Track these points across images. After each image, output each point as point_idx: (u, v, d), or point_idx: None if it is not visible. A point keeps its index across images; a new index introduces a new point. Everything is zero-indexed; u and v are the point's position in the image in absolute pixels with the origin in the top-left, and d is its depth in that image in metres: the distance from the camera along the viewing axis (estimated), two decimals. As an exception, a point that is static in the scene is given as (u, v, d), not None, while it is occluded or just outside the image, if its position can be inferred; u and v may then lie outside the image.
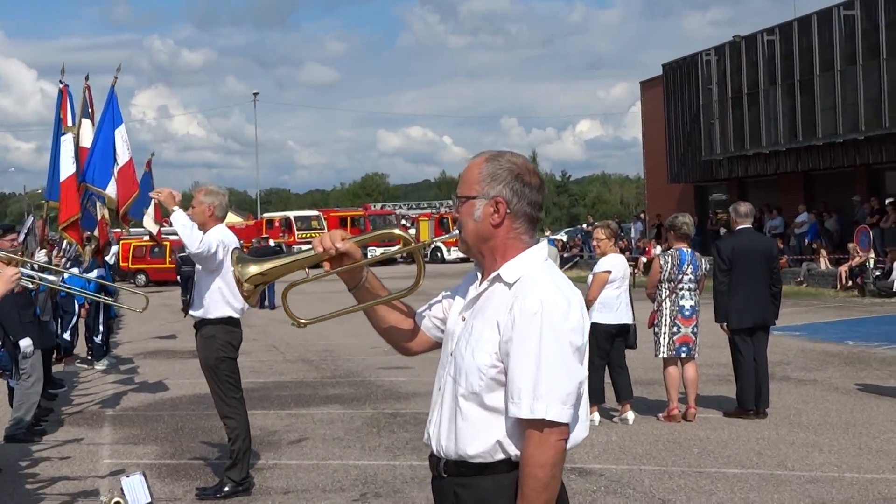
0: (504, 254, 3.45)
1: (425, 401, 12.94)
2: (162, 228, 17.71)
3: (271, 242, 51.66)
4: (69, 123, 12.84)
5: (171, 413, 12.85)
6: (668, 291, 11.50)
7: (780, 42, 37.40)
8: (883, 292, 28.06)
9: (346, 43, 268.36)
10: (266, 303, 28.23)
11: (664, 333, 11.46)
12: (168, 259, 40.53)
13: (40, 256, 12.27)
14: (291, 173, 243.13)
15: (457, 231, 3.57)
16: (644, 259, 39.14)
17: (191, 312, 8.88)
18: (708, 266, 12.05)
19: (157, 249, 43.24)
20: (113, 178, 13.28)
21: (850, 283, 30.37)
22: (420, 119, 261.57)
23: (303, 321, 3.73)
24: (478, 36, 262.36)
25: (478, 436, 3.35)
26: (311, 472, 9.44)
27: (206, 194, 8.76)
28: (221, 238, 8.59)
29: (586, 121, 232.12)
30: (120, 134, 13.47)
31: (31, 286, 10.17)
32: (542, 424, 3.23)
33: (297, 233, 60.64)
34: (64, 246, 15.50)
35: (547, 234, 45.45)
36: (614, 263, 11.50)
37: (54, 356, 15.56)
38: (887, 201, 34.33)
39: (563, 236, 56.97)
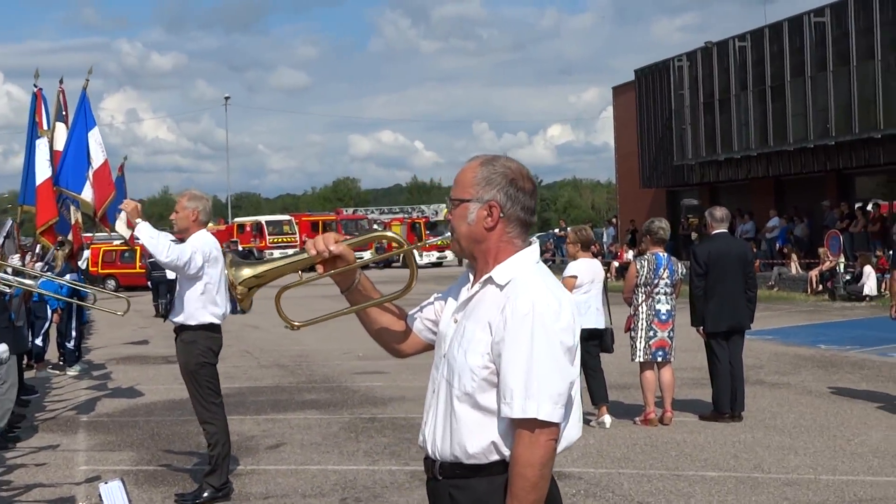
0: (496, 256, 3.47)
1: (402, 406, 13.02)
2: (135, 233, 17.64)
3: (240, 247, 51.64)
4: (44, 127, 12.79)
5: (147, 419, 12.80)
6: (644, 296, 11.55)
7: (751, 48, 37.63)
8: (853, 296, 28.28)
9: (317, 47, 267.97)
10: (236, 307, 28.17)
11: (640, 338, 11.51)
12: (138, 264, 40.33)
13: (14, 261, 12.20)
14: (262, 178, 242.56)
15: (448, 234, 3.59)
16: (616, 264, 39.31)
17: (171, 318, 8.84)
18: (684, 270, 12.11)
19: (126, 255, 43.07)
20: (88, 181, 13.22)
21: (820, 287, 30.58)
22: (391, 123, 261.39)
23: (296, 324, 3.74)
24: (449, 41, 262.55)
25: (472, 437, 3.37)
26: (290, 478, 9.42)
27: (190, 199, 8.74)
28: (199, 245, 8.56)
29: (557, 126, 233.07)
30: (93, 136, 13.41)
31: (6, 290, 10.10)
32: (533, 424, 3.25)
33: (268, 237, 60.47)
34: (38, 250, 15.43)
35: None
36: (581, 269, 11.53)
37: (24, 362, 15.47)
38: (857, 206, 34.61)
39: (534, 241, 56.97)
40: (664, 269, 11.54)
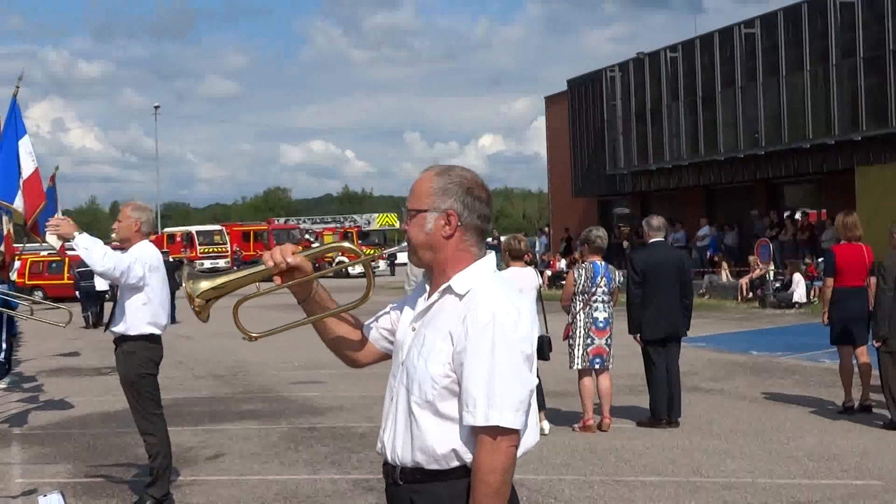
0: (454, 265, 3.51)
1: (341, 415, 13.01)
2: (66, 244, 17.45)
3: (170, 258, 51.16)
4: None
5: (82, 431, 12.67)
6: (582, 304, 11.64)
7: (682, 59, 38.04)
8: (782, 303, 28.68)
9: (246, 56, 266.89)
10: (174, 319, 27.94)
11: (578, 345, 11.60)
12: (66, 275, 39.83)
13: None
14: (191, 187, 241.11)
15: (405, 243, 3.63)
16: (549, 272, 39.51)
17: (111, 328, 8.77)
18: (621, 279, 12.23)
19: (54, 266, 42.57)
20: (20, 190, 13.06)
21: (750, 294, 30.99)
22: (322, 133, 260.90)
23: (254, 335, 3.74)
24: (381, 50, 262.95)
25: (433, 443, 3.40)
26: (231, 488, 9.39)
27: (133, 209, 8.69)
28: (139, 255, 8.51)
29: (489, 135, 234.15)
30: (24, 145, 13.23)
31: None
32: (495, 431, 3.29)
33: (199, 248, 59.99)
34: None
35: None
36: (507, 278, 11.58)
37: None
38: (786, 215, 35.11)
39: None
40: (601, 278, 11.64)
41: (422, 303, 3.60)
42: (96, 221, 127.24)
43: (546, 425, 11.42)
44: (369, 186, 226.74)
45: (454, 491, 3.42)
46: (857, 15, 30.55)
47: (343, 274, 46.74)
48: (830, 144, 31.95)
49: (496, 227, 70.24)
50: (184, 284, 3.67)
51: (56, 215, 10.52)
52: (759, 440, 10.84)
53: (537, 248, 47.44)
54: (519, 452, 3.41)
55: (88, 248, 8.27)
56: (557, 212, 50.41)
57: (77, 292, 31.73)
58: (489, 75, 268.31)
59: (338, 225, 73.89)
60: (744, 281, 31.55)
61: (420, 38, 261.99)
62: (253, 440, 11.65)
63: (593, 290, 11.61)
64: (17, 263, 27.59)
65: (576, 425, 11.58)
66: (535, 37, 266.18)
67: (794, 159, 33.85)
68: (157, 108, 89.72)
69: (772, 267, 30.81)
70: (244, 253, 60.35)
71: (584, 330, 11.60)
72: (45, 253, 41.05)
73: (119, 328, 8.58)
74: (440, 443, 3.40)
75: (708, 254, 36.24)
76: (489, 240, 54.31)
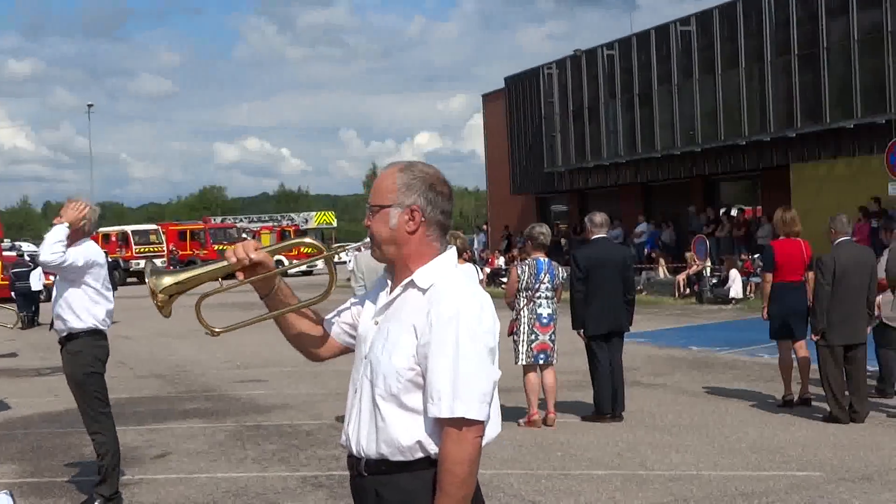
0: (417, 260, 3.55)
1: (286, 413, 13.01)
2: (2, 244, 17.31)
3: (108, 258, 50.60)
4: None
5: (25, 432, 12.55)
6: (525, 300, 11.73)
7: (619, 56, 38.35)
8: (719, 299, 29.01)
9: (180, 54, 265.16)
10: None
11: (523, 341, 11.69)
12: (0, 275, 39.33)
13: None
14: (124, 187, 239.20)
15: (367, 239, 3.67)
16: (488, 270, 39.63)
17: (54, 328, 8.72)
18: (565, 275, 12.34)
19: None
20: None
21: (687, 291, 31.29)
22: (257, 131, 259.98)
23: (217, 330, 3.77)
24: (316, 48, 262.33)
25: (398, 436, 3.45)
26: (179, 486, 9.37)
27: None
28: (82, 251, 8.47)
29: (425, 133, 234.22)
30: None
31: None
32: (461, 423, 3.35)
33: (134, 247, 59.38)
34: None
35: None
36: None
37: None
38: (721, 211, 35.51)
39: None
40: (545, 274, 11.73)
41: (384, 297, 3.64)
42: (28, 222, 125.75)
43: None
44: (306, 185, 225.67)
45: (419, 482, 3.47)
46: (792, 13, 30.99)
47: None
48: (766, 141, 32.39)
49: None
50: (146, 280, 3.69)
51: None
52: (702, 433, 10.99)
53: (476, 246, 47.58)
54: (483, 443, 3.47)
55: (61, 240, 8.19)
56: (495, 209, 50.61)
57: (13, 293, 31.35)
58: (425, 73, 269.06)
59: (275, 223, 73.59)
60: (681, 277, 31.85)
61: (355, 36, 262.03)
62: (199, 439, 11.61)
63: (537, 286, 11.70)
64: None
65: (521, 420, 11.66)
66: (470, 34, 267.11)
67: (729, 156, 34.27)
68: (90, 106, 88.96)
69: (708, 263, 31.14)
70: (180, 252, 59.88)
71: (528, 326, 11.69)
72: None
73: (62, 326, 8.52)
74: (405, 435, 3.45)
75: (645, 250, 36.55)
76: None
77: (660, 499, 8.43)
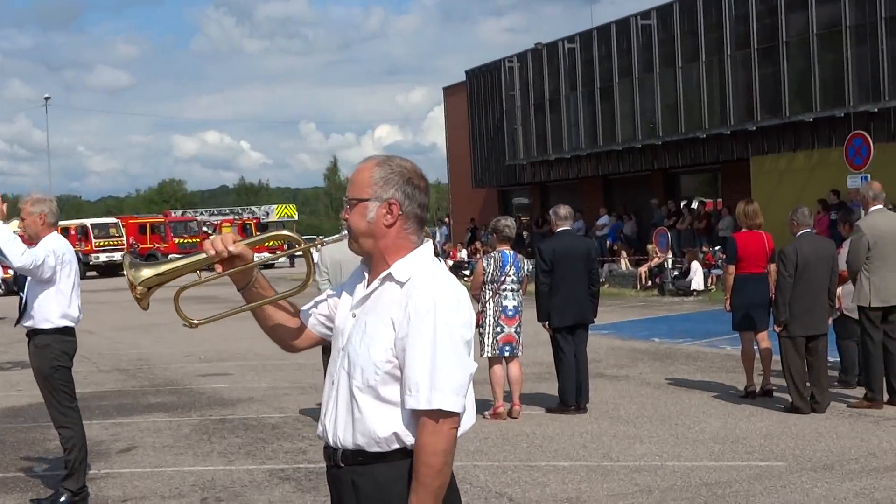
0: (394, 253, 3.60)
1: (252, 406, 13.02)
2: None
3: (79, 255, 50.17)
4: None
5: (-12, 426, 12.50)
6: (491, 292, 11.78)
7: (580, 50, 38.47)
8: (681, 291, 29.18)
9: (137, 46, 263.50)
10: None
11: (488, 333, 11.74)
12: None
13: None
14: (82, 180, 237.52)
15: (346, 232, 3.70)
16: (450, 263, 39.69)
17: (23, 323, 8.68)
18: (530, 267, 12.40)
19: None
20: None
21: (649, 283, 31.46)
22: (216, 124, 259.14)
23: (195, 322, 3.80)
24: (274, 40, 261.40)
25: (375, 427, 3.49)
26: (146, 480, 9.37)
27: (34, 203, 8.56)
28: (53, 248, 8.43)
29: (385, 126, 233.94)
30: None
31: None
32: (437, 414, 3.40)
33: (94, 241, 58.97)
34: None
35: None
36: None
37: None
38: (682, 204, 35.73)
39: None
40: (510, 267, 11.79)
41: (360, 290, 3.68)
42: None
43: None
44: (265, 178, 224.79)
45: (395, 472, 3.51)
46: (751, 7, 31.21)
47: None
48: (726, 134, 32.62)
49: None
50: (125, 272, 3.71)
51: None
52: (665, 425, 11.09)
53: (438, 239, 47.63)
54: (458, 433, 3.52)
55: (10, 239, 8.16)
56: (457, 202, 50.67)
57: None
58: (385, 66, 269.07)
59: (236, 217, 73.23)
60: (643, 269, 32.03)
61: (314, 28, 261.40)
62: (165, 433, 11.60)
63: (502, 278, 11.76)
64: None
65: (486, 413, 11.71)
66: (430, 27, 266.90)
67: (690, 149, 34.47)
68: (47, 99, 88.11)
69: (670, 255, 31.34)
70: (140, 246, 59.54)
71: (494, 318, 11.74)
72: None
73: (31, 322, 8.50)
74: (381, 426, 3.50)
75: (607, 243, 36.71)
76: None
77: (624, 489, 8.51)
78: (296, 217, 77.48)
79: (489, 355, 11.75)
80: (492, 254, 12.06)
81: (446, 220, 51.38)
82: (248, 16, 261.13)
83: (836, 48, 29.04)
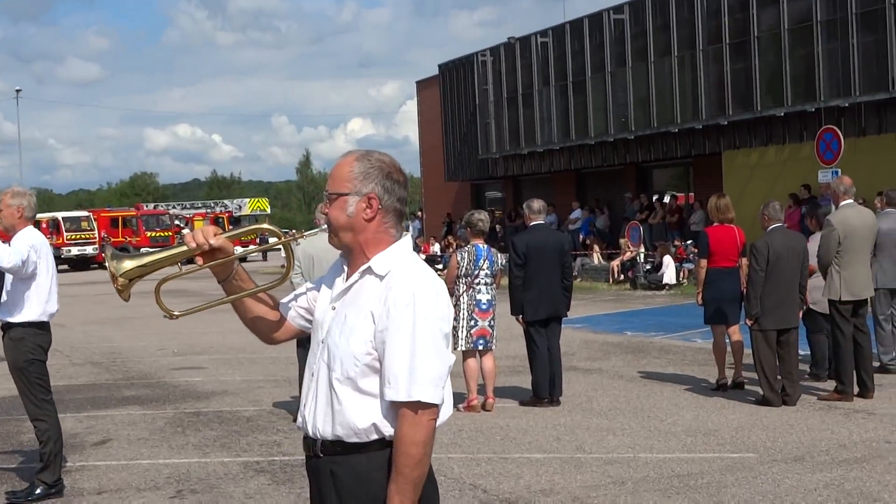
0: (374, 247, 3.65)
1: (226, 399, 13.04)
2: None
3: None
4: None
5: (-39, 419, 12.47)
6: (465, 286, 11.84)
7: (553, 44, 38.57)
8: (653, 285, 29.32)
9: (108, 38, 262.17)
10: None
11: (462, 327, 11.79)
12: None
13: None
14: (53, 173, 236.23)
15: (325, 226, 3.75)
16: (423, 256, 39.75)
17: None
18: (504, 261, 12.47)
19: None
20: None
21: (621, 277, 31.59)
22: (188, 117, 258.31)
23: (175, 313, 3.84)
24: (247, 33, 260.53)
25: (354, 418, 3.55)
26: (121, 472, 9.38)
27: (13, 196, 8.58)
28: (31, 242, 8.45)
29: (358, 119, 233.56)
30: None
31: None
32: (416, 406, 3.45)
33: (65, 234, 58.69)
34: None
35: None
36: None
37: None
38: (654, 198, 35.89)
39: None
40: (484, 260, 11.85)
41: (340, 283, 3.73)
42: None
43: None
44: (238, 171, 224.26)
45: (373, 462, 3.57)
46: (723, 2, 31.36)
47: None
48: (698, 129, 32.78)
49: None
50: (107, 264, 3.74)
51: None
52: (638, 417, 11.18)
53: (410, 233, 47.53)
54: (437, 424, 3.58)
55: None
56: (430, 196, 50.72)
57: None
58: (357, 59, 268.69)
59: (208, 210, 73.17)
60: (615, 263, 32.16)
61: (287, 21, 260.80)
62: (139, 425, 11.61)
63: (476, 272, 11.81)
64: None
65: (461, 405, 11.75)
66: (402, 20, 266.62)
67: (662, 143, 34.64)
68: (18, 91, 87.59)
69: (642, 249, 31.47)
70: (112, 239, 59.29)
71: (468, 312, 11.80)
72: None
73: (7, 315, 8.50)
74: (360, 417, 3.55)
75: (580, 237, 36.82)
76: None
77: (597, 481, 8.59)
78: (268, 211, 77.49)
79: (463, 349, 11.79)
80: (465, 248, 12.11)
81: (419, 213, 51.36)
82: (221, 8, 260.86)
83: (807, 43, 29.23)
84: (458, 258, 11.99)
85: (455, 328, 11.80)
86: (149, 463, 9.73)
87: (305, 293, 3.93)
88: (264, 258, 54.32)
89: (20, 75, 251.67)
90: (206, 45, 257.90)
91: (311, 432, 3.68)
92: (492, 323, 11.89)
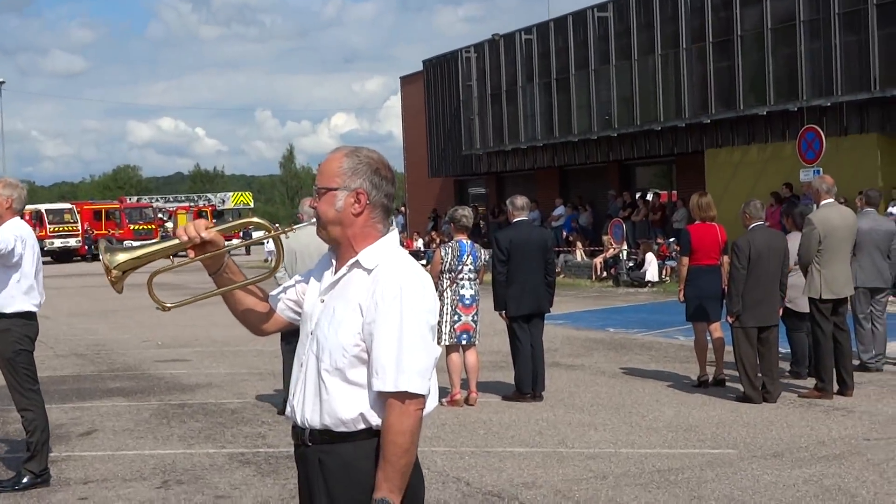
0: (362, 241, 3.74)
1: (211, 391, 13.11)
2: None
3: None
4: None
5: (-55, 410, 12.49)
6: (448, 281, 11.91)
7: (537, 41, 38.63)
8: (636, 282, 29.44)
9: (92, 30, 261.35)
10: None
11: (446, 322, 11.86)
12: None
13: None
14: (36, 165, 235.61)
15: (312, 220, 3.83)
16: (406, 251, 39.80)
17: None
18: (487, 257, 12.55)
19: None
20: None
21: (604, 273, 31.70)
22: (172, 110, 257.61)
23: (168, 305, 3.93)
24: (231, 27, 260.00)
25: (341, 408, 3.64)
26: (107, 463, 9.45)
27: (4, 187, 8.63)
28: (18, 232, 8.51)
29: (342, 114, 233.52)
30: None
31: None
32: (403, 396, 3.55)
33: (48, 226, 58.58)
34: None
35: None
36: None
37: None
38: (637, 195, 36.00)
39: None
40: (468, 256, 11.93)
41: (329, 276, 3.82)
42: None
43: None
44: (221, 165, 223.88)
45: (360, 451, 3.67)
46: (707, 0, 31.45)
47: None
48: (681, 127, 32.88)
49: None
50: (100, 256, 3.82)
51: None
52: (619, 413, 11.28)
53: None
54: (423, 414, 3.67)
55: None
56: (414, 192, 50.73)
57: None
58: (341, 54, 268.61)
59: (192, 203, 73.06)
60: (598, 260, 32.26)
61: (271, 15, 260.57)
62: (124, 417, 11.67)
63: (459, 267, 11.88)
64: None
65: (444, 400, 11.82)
66: (387, 15, 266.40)
67: (645, 141, 34.73)
68: (1, 83, 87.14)
69: (625, 246, 31.60)
70: (95, 232, 59.21)
71: (452, 307, 11.87)
72: None
73: (-7, 308, 8.54)
74: (348, 407, 3.64)
75: (563, 233, 36.91)
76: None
77: (579, 475, 8.68)
78: (252, 204, 77.39)
79: (446, 343, 11.87)
80: (449, 243, 12.18)
81: (402, 209, 51.39)
82: (205, 2, 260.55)
83: (789, 43, 29.36)
84: (442, 253, 12.07)
85: (438, 323, 11.86)
86: (134, 454, 9.79)
87: (294, 286, 4.01)
88: (247, 252, 54.29)
89: (3, 67, 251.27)
90: (190, 39, 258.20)
91: (299, 421, 3.77)
92: (475, 318, 11.97)
